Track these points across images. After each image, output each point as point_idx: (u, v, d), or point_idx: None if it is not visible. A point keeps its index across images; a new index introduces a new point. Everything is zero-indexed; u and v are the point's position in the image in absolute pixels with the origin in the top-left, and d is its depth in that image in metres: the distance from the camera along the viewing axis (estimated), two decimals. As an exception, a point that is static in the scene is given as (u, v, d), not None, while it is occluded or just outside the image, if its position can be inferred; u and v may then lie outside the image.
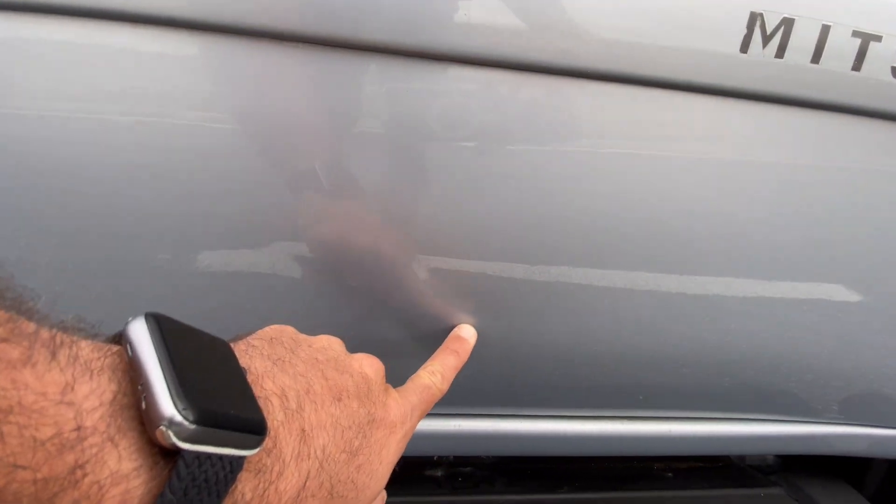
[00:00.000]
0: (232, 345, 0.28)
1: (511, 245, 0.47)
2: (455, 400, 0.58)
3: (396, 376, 0.42)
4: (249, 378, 0.26)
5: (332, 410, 0.29)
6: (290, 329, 0.33)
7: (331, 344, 0.35)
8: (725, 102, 0.42)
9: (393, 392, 0.36)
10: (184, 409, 0.19)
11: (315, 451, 0.27)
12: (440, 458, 0.74)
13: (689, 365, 0.56)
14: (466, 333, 0.50)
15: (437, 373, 0.42)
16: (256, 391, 0.25)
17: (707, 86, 0.41)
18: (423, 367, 0.43)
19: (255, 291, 0.47)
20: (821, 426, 0.67)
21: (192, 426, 0.19)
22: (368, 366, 0.35)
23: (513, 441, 0.62)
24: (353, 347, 0.37)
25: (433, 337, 0.51)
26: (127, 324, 0.22)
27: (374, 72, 0.39)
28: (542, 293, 0.49)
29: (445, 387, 0.42)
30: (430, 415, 0.59)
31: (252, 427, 0.23)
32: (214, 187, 0.42)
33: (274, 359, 0.29)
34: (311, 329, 0.34)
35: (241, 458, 0.22)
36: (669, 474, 0.78)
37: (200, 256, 0.44)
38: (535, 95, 0.41)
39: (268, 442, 0.24)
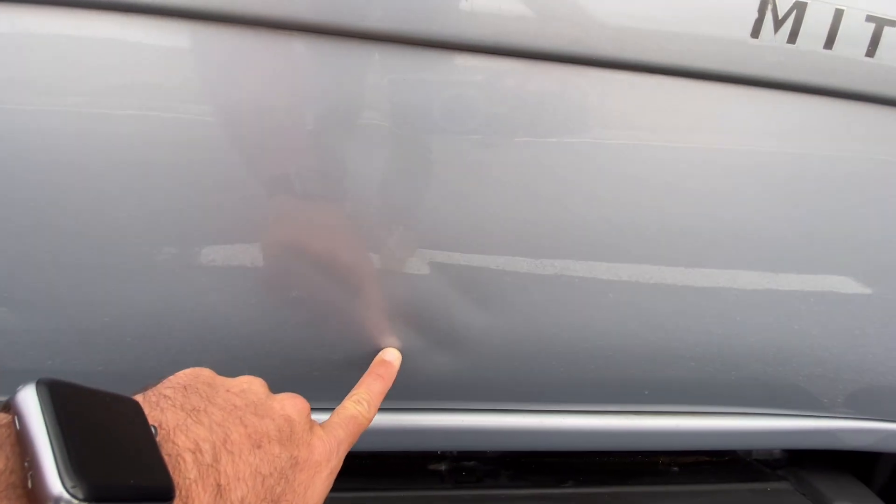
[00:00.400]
0: (142, 396, 0.28)
1: (516, 239, 0.46)
2: (460, 395, 0.58)
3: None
4: (160, 435, 0.25)
5: (251, 459, 0.28)
6: (206, 373, 0.32)
7: (251, 386, 0.34)
8: (735, 89, 0.41)
9: (318, 429, 0.36)
10: (73, 486, 0.18)
11: None
12: (444, 452, 0.74)
13: (695, 359, 0.56)
14: (391, 357, 0.49)
15: (363, 401, 0.42)
16: (167, 448, 0.25)
17: (716, 72, 0.40)
18: (348, 395, 0.43)
19: (253, 287, 0.46)
20: (829, 420, 0.66)
21: None
22: (291, 406, 0.34)
23: (517, 436, 0.61)
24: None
25: (438, 331, 0.51)
26: (16, 392, 0.21)
27: (378, 61, 0.38)
28: (547, 287, 0.49)
29: (372, 414, 0.42)
30: (435, 410, 0.60)
31: (155, 494, 0.22)
32: (210, 182, 0.41)
33: (188, 409, 0.28)
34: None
35: None
36: (675, 469, 0.77)
37: (203, 252, 0.44)
38: (541, 84, 0.40)
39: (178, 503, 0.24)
